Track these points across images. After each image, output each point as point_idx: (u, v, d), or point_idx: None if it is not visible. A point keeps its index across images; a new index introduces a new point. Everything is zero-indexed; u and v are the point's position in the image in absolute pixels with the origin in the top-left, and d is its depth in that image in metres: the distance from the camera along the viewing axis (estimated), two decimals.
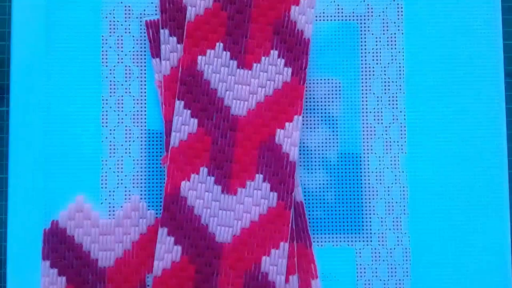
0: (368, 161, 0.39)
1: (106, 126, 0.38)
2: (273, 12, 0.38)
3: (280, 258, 0.37)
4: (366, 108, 0.39)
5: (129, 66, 0.39)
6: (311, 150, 0.39)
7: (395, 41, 0.39)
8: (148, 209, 0.38)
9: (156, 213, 0.38)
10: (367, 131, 0.39)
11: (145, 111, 0.39)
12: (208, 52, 0.37)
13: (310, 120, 0.39)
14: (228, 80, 0.37)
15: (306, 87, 0.39)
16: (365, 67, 0.39)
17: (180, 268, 0.36)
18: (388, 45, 0.39)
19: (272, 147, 0.37)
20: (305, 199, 0.38)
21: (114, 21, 0.39)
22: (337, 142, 0.39)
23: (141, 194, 0.38)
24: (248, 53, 0.38)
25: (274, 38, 0.38)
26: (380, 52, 0.39)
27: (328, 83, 0.39)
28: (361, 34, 0.39)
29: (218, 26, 0.38)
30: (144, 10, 0.39)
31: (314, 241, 0.38)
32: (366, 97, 0.39)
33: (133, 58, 0.39)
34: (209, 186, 0.37)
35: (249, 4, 0.38)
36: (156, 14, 0.39)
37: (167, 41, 0.38)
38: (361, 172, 0.39)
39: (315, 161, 0.38)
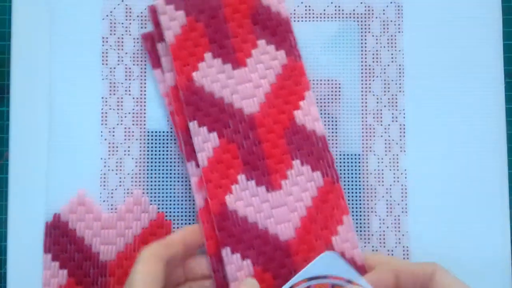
0: (368, 161, 0.39)
1: (106, 126, 0.38)
2: (245, 5, 0.38)
3: (349, 232, 0.36)
4: (366, 108, 0.39)
5: (129, 66, 0.39)
6: None
7: (395, 41, 0.39)
8: (150, 204, 0.38)
9: (158, 208, 0.38)
10: (367, 131, 0.39)
11: (145, 111, 0.39)
12: (200, 66, 0.37)
13: None
14: (230, 83, 0.37)
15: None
16: (365, 67, 0.39)
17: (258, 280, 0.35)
18: (388, 45, 0.39)
19: (296, 130, 0.37)
20: None
21: (114, 22, 0.39)
22: (337, 142, 0.39)
23: (141, 194, 0.38)
24: (237, 52, 0.38)
25: (255, 28, 0.38)
26: (380, 52, 0.39)
27: (328, 83, 0.39)
28: (361, 34, 0.39)
29: (200, 37, 0.37)
30: (145, 9, 0.39)
31: None
32: (366, 97, 0.39)
33: (133, 58, 0.39)
34: (252, 190, 0.36)
35: (219, 6, 0.38)
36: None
37: (166, 53, 0.38)
38: (361, 172, 0.39)
39: None
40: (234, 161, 0.36)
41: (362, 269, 0.35)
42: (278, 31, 0.38)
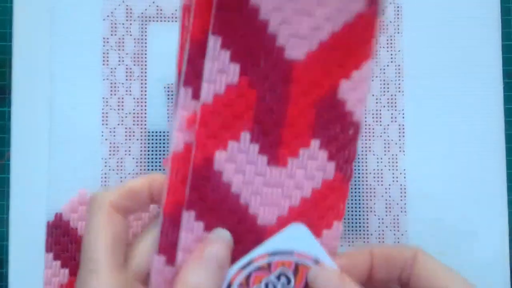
0: (367, 161, 0.39)
1: (107, 126, 0.38)
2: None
3: (333, 240, 0.30)
4: (365, 109, 0.39)
5: (130, 67, 0.39)
6: None
7: (393, 41, 0.39)
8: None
9: (159, 207, 0.38)
10: (366, 131, 0.39)
11: (145, 111, 0.39)
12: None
13: None
14: (285, 9, 0.28)
15: None
16: None
17: None
18: (387, 45, 0.39)
19: (333, 103, 0.29)
20: None
21: (115, 22, 0.39)
22: None
23: None
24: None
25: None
26: (379, 53, 0.39)
27: None
28: None
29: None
30: (146, 10, 0.39)
31: None
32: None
33: (134, 59, 0.39)
34: (252, 156, 0.29)
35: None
36: (156, 16, 0.39)
37: None
38: (360, 172, 0.39)
39: None
40: (246, 112, 0.28)
41: None
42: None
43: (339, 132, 0.29)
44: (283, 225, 0.29)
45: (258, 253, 0.29)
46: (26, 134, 0.38)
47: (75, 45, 0.38)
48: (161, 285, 0.28)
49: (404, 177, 0.39)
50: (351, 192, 0.38)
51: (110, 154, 0.38)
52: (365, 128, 0.39)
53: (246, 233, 0.29)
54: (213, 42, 0.27)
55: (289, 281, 0.29)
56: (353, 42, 0.29)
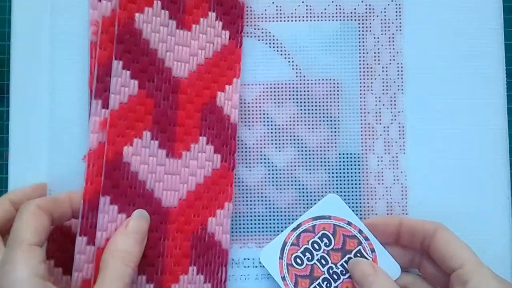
0: (367, 161, 0.39)
1: None
2: None
3: (225, 218, 0.37)
4: (366, 108, 0.39)
5: None
6: (311, 150, 0.39)
7: (395, 41, 0.39)
8: None
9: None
10: (366, 131, 0.39)
11: None
12: (146, 10, 0.36)
13: (310, 120, 0.39)
14: (168, 40, 0.37)
15: (306, 86, 0.39)
16: (365, 67, 0.39)
17: None
18: (387, 45, 0.39)
19: (213, 109, 0.37)
20: (305, 199, 0.38)
21: None
22: (337, 142, 0.39)
23: None
24: (186, 14, 0.37)
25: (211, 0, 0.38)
26: (380, 52, 0.39)
27: (328, 83, 0.39)
28: (361, 34, 0.39)
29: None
30: None
31: None
32: (366, 97, 0.39)
33: None
34: (153, 150, 0.36)
35: None
36: None
37: None
38: (360, 172, 0.39)
39: (315, 161, 0.38)
40: (146, 116, 0.36)
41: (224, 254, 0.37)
42: (231, 12, 0.38)
43: (221, 131, 0.37)
44: (184, 207, 0.36)
45: (305, 218, 0.37)
46: (25, 134, 0.38)
47: (74, 44, 0.38)
48: (84, 262, 0.35)
49: (405, 177, 0.39)
50: (352, 192, 0.38)
51: None
52: (366, 128, 0.39)
53: (153, 214, 0.36)
54: (116, 64, 0.35)
55: (330, 242, 0.37)
56: (223, 65, 0.38)
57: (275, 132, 0.39)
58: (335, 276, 0.36)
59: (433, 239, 0.34)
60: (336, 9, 0.39)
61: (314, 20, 0.39)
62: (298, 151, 0.38)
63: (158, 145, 0.36)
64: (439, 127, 0.39)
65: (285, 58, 0.39)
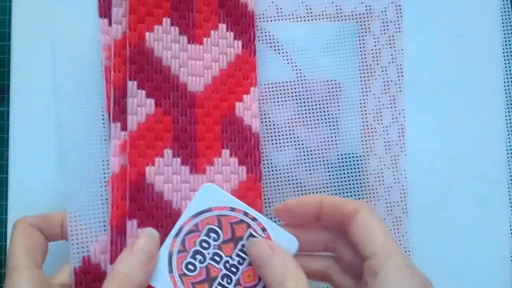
0: (368, 161, 0.39)
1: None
2: None
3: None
4: (366, 109, 0.39)
5: None
6: (311, 150, 0.39)
7: (394, 41, 0.39)
8: None
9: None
10: (367, 131, 0.39)
11: None
12: (156, 28, 0.36)
13: (310, 120, 0.39)
14: (181, 56, 0.37)
15: (306, 87, 0.39)
16: (365, 68, 0.39)
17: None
18: (387, 45, 0.39)
19: (233, 120, 0.37)
20: None
21: None
22: (337, 142, 0.39)
23: None
24: (197, 28, 0.37)
25: (220, 11, 0.38)
26: (380, 53, 0.39)
27: (328, 83, 0.39)
28: (360, 35, 0.39)
29: (163, 0, 0.36)
30: None
31: None
32: (366, 98, 0.39)
33: None
34: (176, 168, 0.35)
35: None
36: None
37: (119, 4, 0.36)
38: (361, 172, 0.39)
39: (315, 161, 0.38)
40: (165, 134, 0.35)
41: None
42: (241, 22, 0.38)
43: (243, 142, 0.37)
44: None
45: (184, 219, 0.34)
46: (25, 134, 0.38)
47: (74, 44, 0.38)
48: None
49: (405, 178, 0.39)
50: (352, 192, 0.38)
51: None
52: (366, 128, 0.39)
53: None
54: (131, 85, 0.35)
55: (218, 236, 0.34)
56: (238, 75, 0.37)
57: (275, 132, 0.39)
58: (233, 269, 0.33)
59: (351, 221, 0.31)
60: (336, 9, 0.39)
61: (314, 21, 0.39)
62: (299, 151, 0.38)
63: (181, 162, 0.35)
64: (439, 127, 0.39)
65: (285, 58, 0.39)
